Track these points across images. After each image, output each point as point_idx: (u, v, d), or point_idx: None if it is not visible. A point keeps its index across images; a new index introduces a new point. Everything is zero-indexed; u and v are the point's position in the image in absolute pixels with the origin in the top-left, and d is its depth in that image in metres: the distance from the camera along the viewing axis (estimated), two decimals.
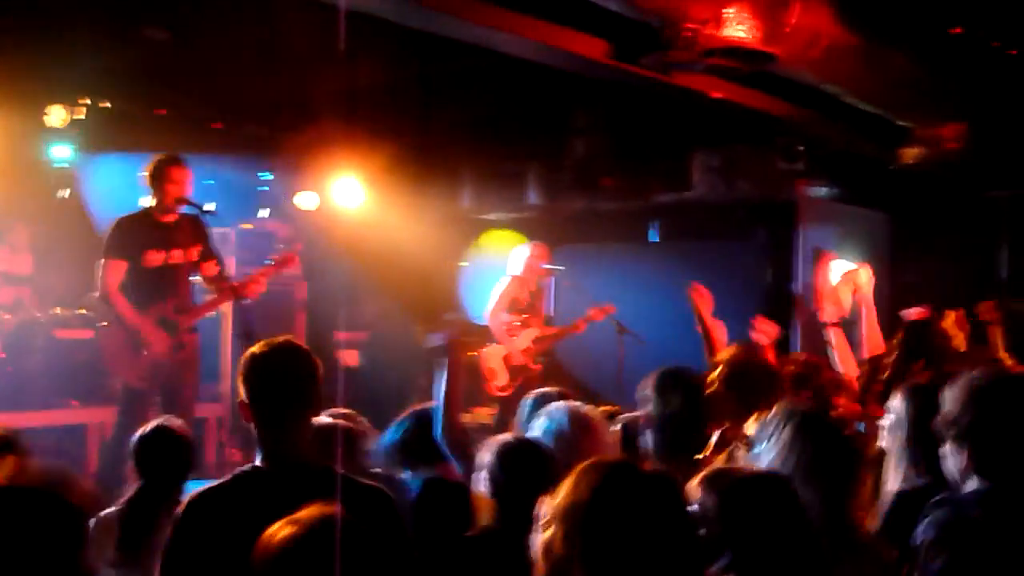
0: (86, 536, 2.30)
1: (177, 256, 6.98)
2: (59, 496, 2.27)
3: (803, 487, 3.11)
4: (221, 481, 3.19)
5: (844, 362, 6.08)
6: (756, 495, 2.69)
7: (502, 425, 6.29)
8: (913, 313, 5.76)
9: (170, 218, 6.95)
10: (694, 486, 2.71)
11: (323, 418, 3.89)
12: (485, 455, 3.63)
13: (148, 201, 6.99)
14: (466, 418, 5.24)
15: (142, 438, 4.35)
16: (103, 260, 6.89)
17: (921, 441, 3.54)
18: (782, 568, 2.62)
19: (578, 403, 4.11)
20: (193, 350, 7.09)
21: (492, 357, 8.52)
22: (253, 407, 3.21)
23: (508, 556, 3.05)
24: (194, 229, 7.08)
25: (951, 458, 3.02)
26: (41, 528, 2.19)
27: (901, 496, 3.55)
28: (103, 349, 7.00)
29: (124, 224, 6.95)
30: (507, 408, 7.28)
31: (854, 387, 5.67)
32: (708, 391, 4.42)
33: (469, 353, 5.28)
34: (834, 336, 6.28)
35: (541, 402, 4.44)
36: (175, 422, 4.52)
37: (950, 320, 5.88)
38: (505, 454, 3.61)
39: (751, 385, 4.62)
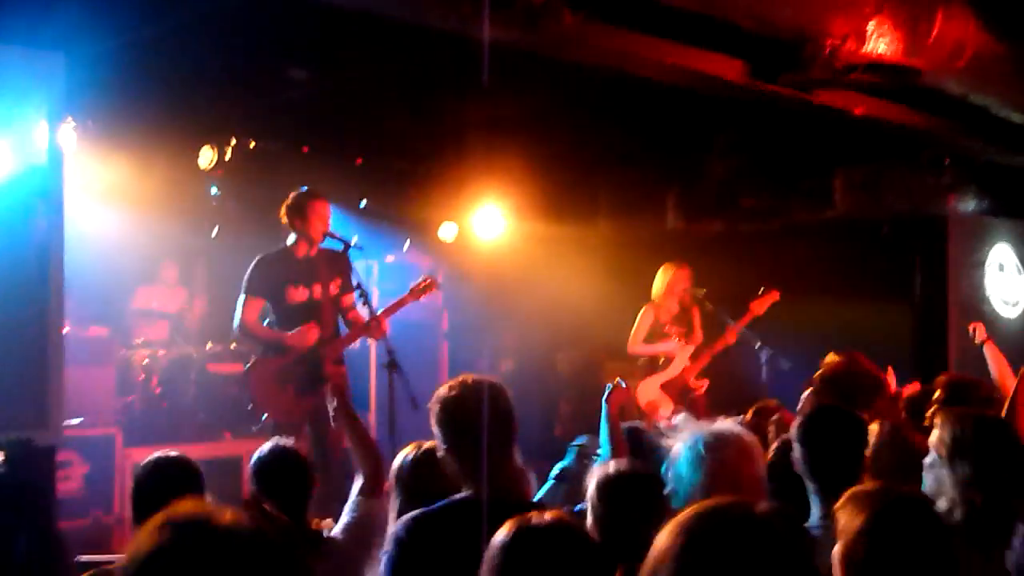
0: None
1: (319, 291, 7.05)
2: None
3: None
4: (433, 509, 3.27)
5: (1002, 376, 6.01)
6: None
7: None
8: None
9: (312, 253, 7.05)
10: None
11: None
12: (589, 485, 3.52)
13: (291, 237, 7.13)
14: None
15: (260, 459, 4.24)
16: (242, 296, 7.03)
17: None
18: None
19: (724, 423, 3.67)
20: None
21: (649, 388, 8.38)
22: (453, 446, 3.30)
23: None
24: (336, 263, 7.12)
25: None
26: None
27: None
28: (250, 385, 7.10)
29: (264, 262, 7.07)
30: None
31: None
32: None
33: (626, 394, 5.17)
34: (989, 352, 6.22)
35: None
36: (290, 443, 4.40)
37: None
38: (605, 485, 3.48)
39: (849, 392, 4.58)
